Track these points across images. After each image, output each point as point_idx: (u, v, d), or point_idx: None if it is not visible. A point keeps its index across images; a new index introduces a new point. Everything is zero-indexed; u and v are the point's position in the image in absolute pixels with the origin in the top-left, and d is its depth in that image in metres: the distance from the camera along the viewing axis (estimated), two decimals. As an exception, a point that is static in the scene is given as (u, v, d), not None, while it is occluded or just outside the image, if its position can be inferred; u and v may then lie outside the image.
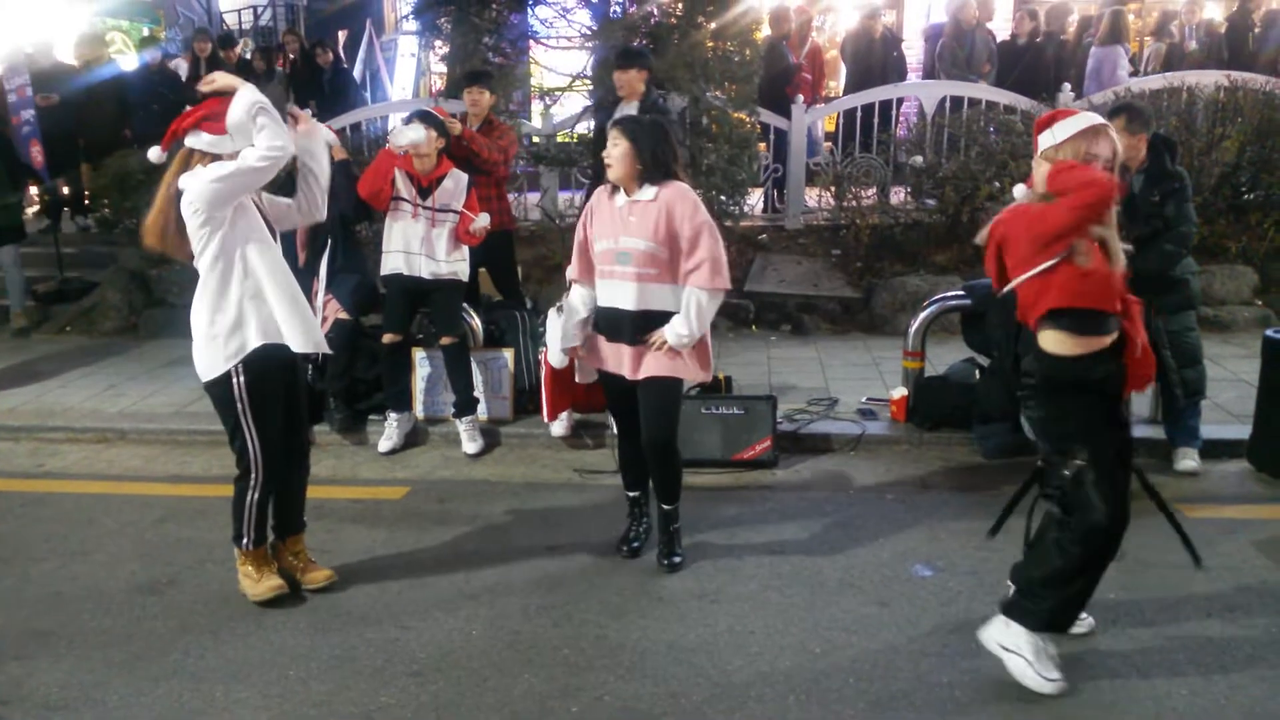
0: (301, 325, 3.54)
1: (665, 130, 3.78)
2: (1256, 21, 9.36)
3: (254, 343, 3.48)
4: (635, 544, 4.09)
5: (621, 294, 3.78)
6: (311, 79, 10.36)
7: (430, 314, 5.45)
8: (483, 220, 5.20)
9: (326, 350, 3.71)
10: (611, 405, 4.07)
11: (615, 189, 3.79)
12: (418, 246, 5.13)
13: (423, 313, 5.50)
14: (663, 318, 3.74)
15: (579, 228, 3.93)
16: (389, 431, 5.38)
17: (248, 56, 10.85)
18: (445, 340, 5.30)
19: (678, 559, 3.95)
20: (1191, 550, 3.18)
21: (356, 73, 12.06)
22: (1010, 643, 3.13)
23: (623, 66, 5.74)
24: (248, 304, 3.48)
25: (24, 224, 8.07)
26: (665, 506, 3.98)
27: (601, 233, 3.81)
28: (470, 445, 5.30)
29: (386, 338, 5.32)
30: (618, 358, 3.86)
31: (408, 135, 4.98)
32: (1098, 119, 3.00)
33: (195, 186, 3.36)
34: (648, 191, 3.70)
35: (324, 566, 3.87)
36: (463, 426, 5.34)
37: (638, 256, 3.70)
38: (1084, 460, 2.97)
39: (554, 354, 4.99)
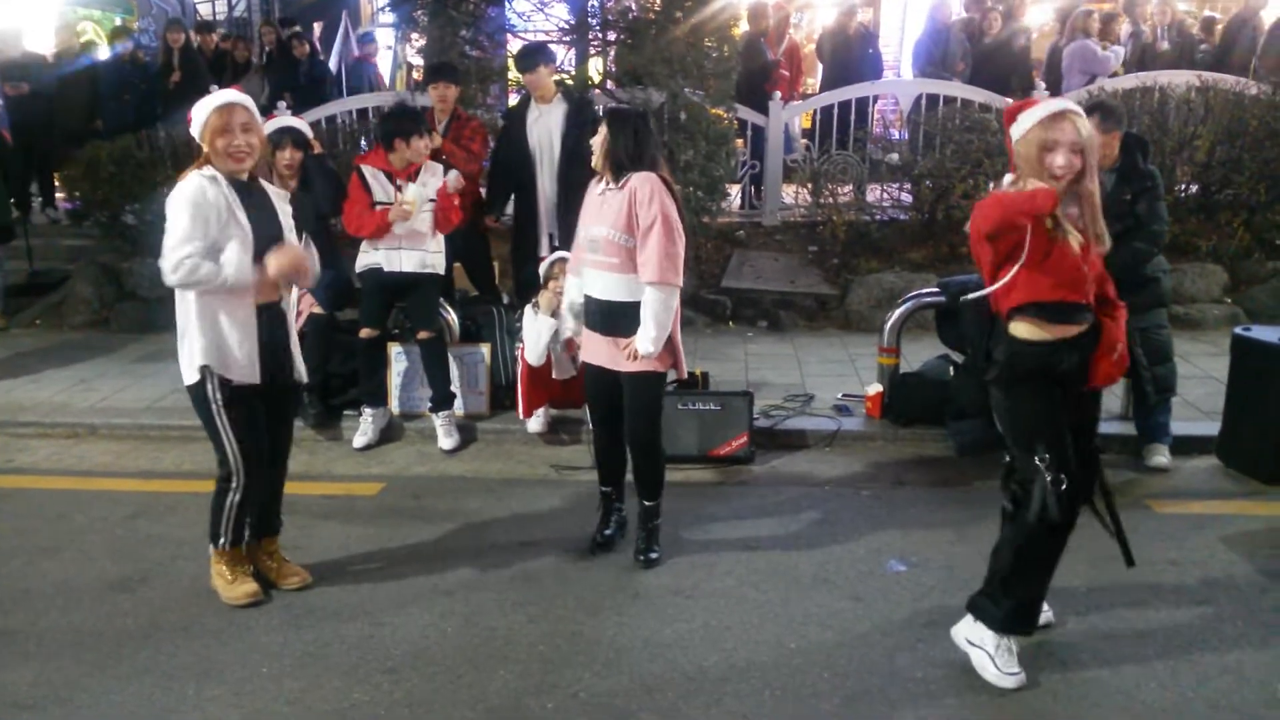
0: (243, 358, 3.48)
1: (644, 121, 3.78)
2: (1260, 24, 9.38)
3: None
4: (609, 533, 4.10)
5: (592, 282, 3.82)
6: (287, 71, 10.26)
7: (406, 309, 5.42)
8: (454, 177, 5.26)
9: (254, 380, 3.52)
10: (590, 397, 4.06)
11: (601, 178, 3.82)
12: (400, 240, 5.11)
13: (398, 307, 5.48)
14: (623, 308, 3.73)
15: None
16: (364, 427, 5.35)
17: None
18: (422, 335, 5.28)
19: (654, 555, 3.95)
20: (1126, 551, 3.26)
21: (332, 64, 11.95)
22: (975, 637, 3.21)
23: (529, 68, 5.73)
24: (215, 319, 3.47)
25: (13, 225, 7.91)
26: (647, 503, 3.99)
27: (582, 220, 3.87)
28: (446, 441, 5.28)
29: (364, 332, 5.30)
30: (593, 347, 3.88)
31: (410, 194, 5.02)
32: (1059, 105, 3.03)
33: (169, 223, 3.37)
34: (620, 180, 3.71)
35: (299, 566, 3.85)
36: (439, 422, 5.31)
37: (604, 245, 3.72)
38: (1042, 454, 3.00)
39: (531, 352, 4.98)
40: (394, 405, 5.55)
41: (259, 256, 3.43)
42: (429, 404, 5.37)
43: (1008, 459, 3.22)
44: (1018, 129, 3.05)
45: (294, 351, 3.71)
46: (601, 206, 3.76)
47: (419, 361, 5.43)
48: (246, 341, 3.48)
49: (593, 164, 3.79)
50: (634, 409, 3.84)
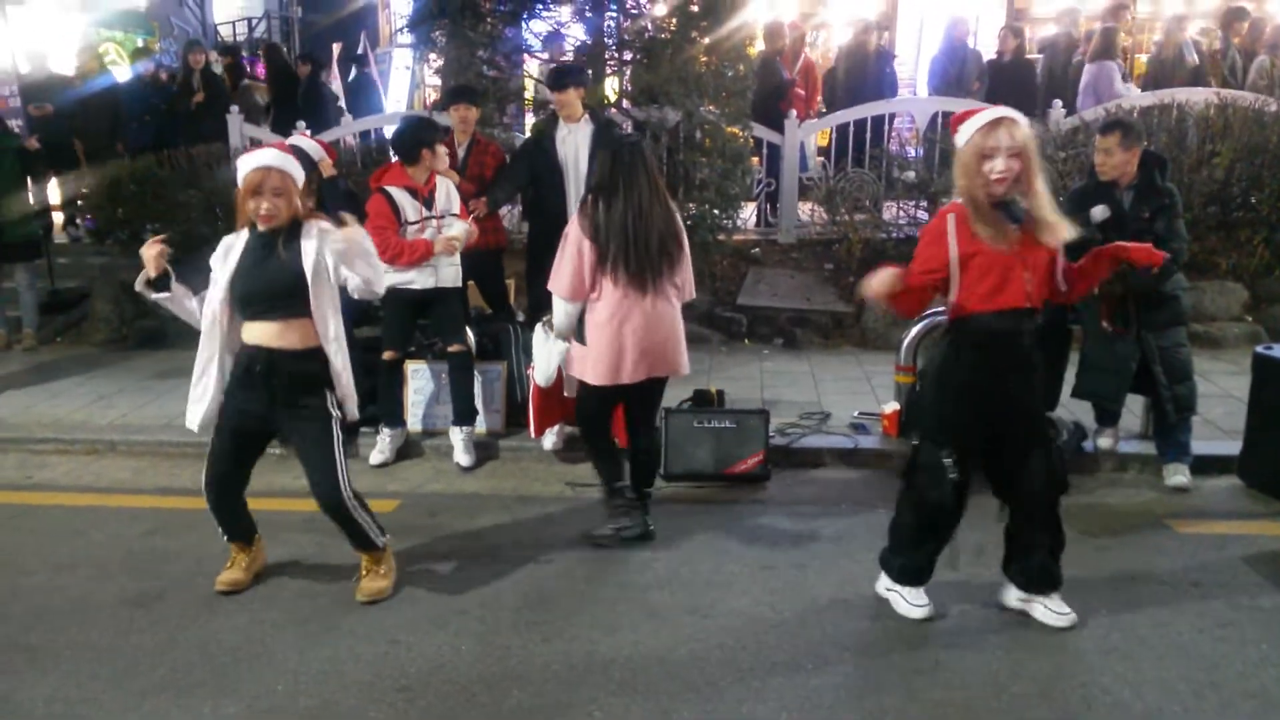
0: (197, 407, 3.72)
1: (629, 150, 4.02)
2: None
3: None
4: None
5: None
6: (286, 91, 10.33)
7: (433, 323, 5.40)
8: (462, 230, 5.19)
9: (192, 429, 3.75)
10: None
11: None
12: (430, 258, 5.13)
13: (420, 325, 5.48)
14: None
15: None
16: (381, 445, 5.36)
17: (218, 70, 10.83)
18: (456, 348, 5.26)
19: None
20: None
21: (338, 87, 12.06)
22: (889, 585, 3.68)
23: (560, 87, 5.75)
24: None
25: (40, 242, 7.99)
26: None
27: None
28: (464, 457, 5.28)
29: (387, 355, 5.31)
30: None
31: (458, 230, 5.10)
32: (997, 113, 3.19)
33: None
34: None
35: (378, 580, 3.87)
36: (460, 437, 5.31)
37: None
38: (920, 440, 3.49)
39: (540, 373, 4.99)
40: (411, 423, 5.56)
41: (243, 308, 3.62)
42: (451, 419, 5.36)
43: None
44: (960, 138, 3.23)
45: (327, 391, 3.70)
46: None
47: (436, 379, 5.44)
48: (200, 380, 3.70)
49: None
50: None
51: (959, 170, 3.25)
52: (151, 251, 3.59)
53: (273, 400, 3.64)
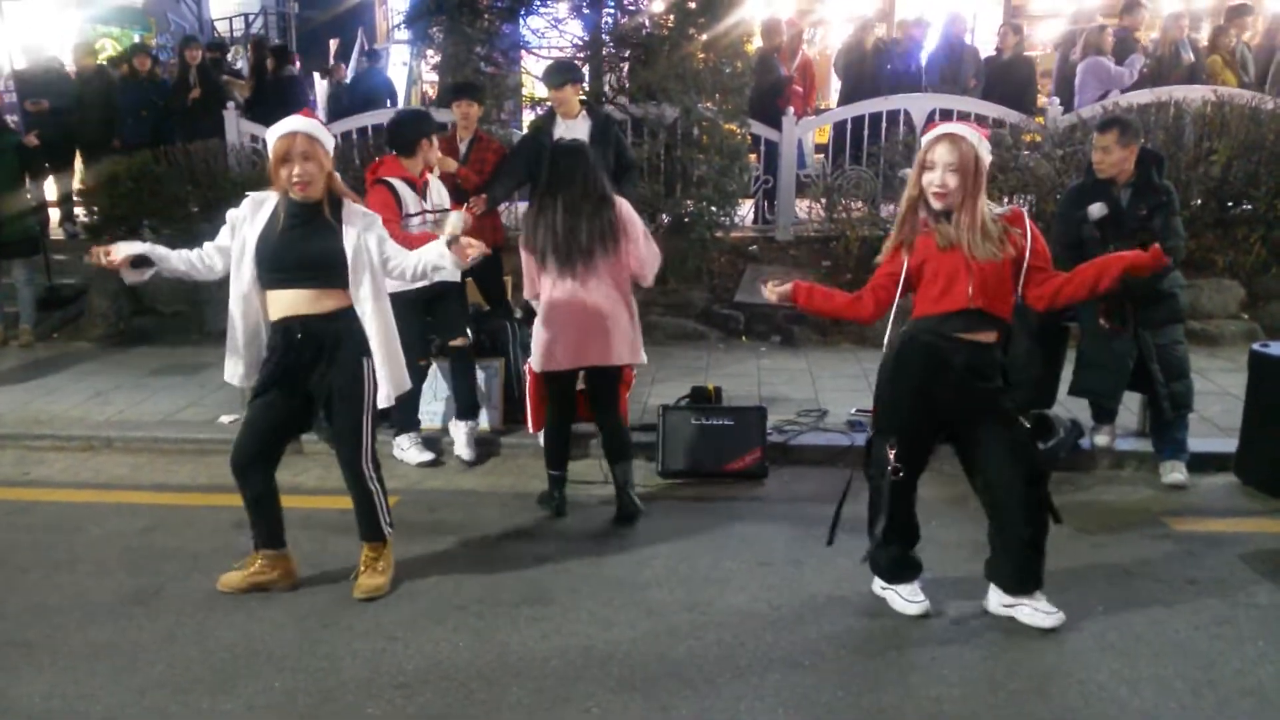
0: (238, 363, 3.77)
1: (567, 155, 4.34)
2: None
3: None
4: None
5: None
6: (259, 85, 10.29)
7: (434, 321, 5.35)
8: (455, 219, 5.14)
9: (232, 382, 3.82)
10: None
11: None
12: None
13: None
14: None
15: None
16: (412, 447, 5.31)
17: (237, 65, 10.82)
18: (460, 342, 5.26)
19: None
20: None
21: (319, 86, 12.05)
22: (882, 584, 3.72)
23: (556, 84, 5.73)
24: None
25: (38, 238, 7.97)
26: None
27: None
28: (466, 451, 5.29)
29: (420, 362, 5.27)
30: None
31: (451, 225, 5.01)
32: (944, 129, 3.33)
33: None
34: None
35: (376, 577, 3.87)
36: (463, 430, 5.31)
37: None
38: (877, 435, 3.59)
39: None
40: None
41: (270, 275, 3.60)
42: (454, 414, 5.35)
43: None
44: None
45: (364, 367, 3.70)
46: None
47: (432, 377, 5.42)
48: (240, 349, 3.73)
49: None
50: None
51: (910, 182, 3.43)
52: (115, 259, 3.61)
53: (315, 362, 3.65)
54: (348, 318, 3.67)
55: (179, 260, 3.72)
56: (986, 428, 3.45)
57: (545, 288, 4.35)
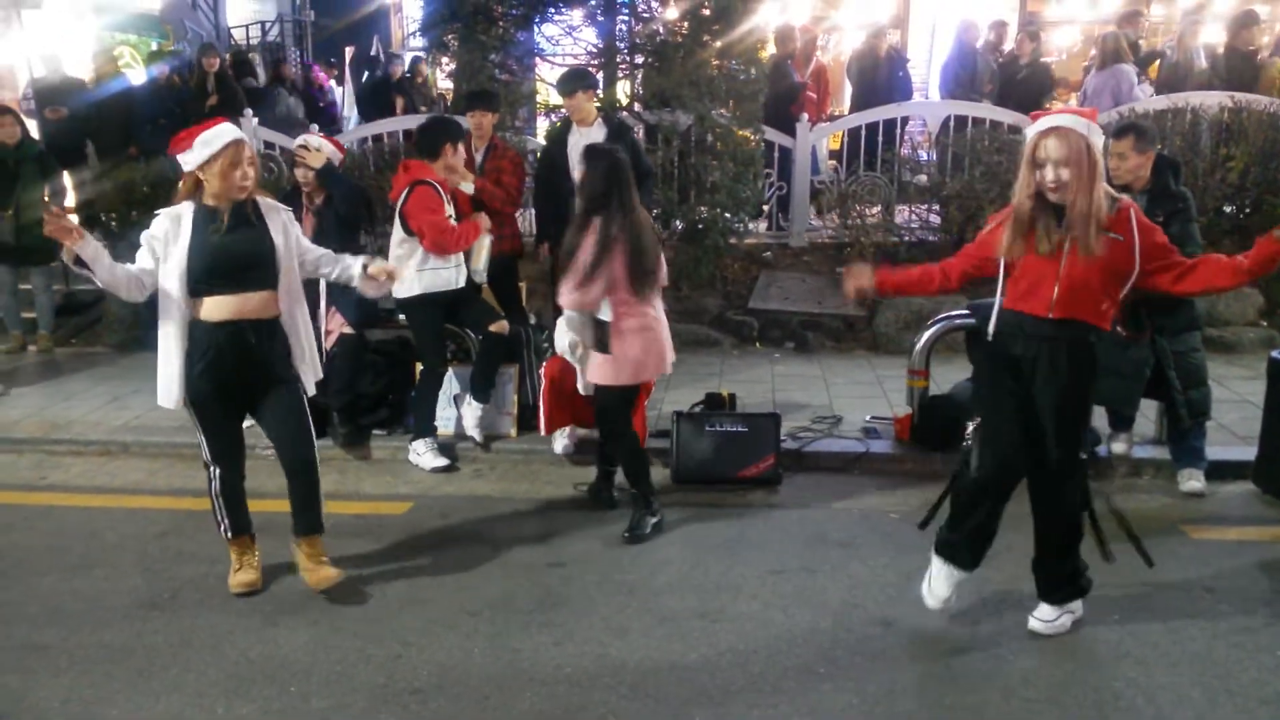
0: (172, 385, 3.72)
1: (618, 161, 4.23)
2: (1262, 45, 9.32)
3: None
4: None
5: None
6: (234, 95, 10.32)
7: (467, 319, 5.40)
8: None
9: (168, 406, 3.75)
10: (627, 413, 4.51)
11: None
12: (458, 256, 5.19)
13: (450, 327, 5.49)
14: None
15: None
16: (426, 453, 5.33)
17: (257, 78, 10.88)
18: (498, 327, 5.28)
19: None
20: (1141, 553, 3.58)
21: (336, 95, 12.12)
22: (933, 555, 3.58)
23: (569, 92, 5.75)
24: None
25: (53, 246, 7.98)
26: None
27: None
28: (475, 431, 5.36)
29: (440, 368, 5.35)
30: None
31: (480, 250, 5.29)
32: (1050, 122, 3.21)
33: None
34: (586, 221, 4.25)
35: (332, 570, 3.90)
36: (478, 411, 5.36)
37: None
38: (978, 420, 3.48)
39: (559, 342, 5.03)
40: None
41: (208, 282, 3.64)
42: (469, 393, 5.39)
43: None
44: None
45: (294, 362, 3.83)
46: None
47: (446, 383, 5.44)
48: (170, 362, 3.70)
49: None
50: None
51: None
52: (67, 240, 3.52)
53: (252, 370, 3.73)
54: (282, 328, 3.80)
55: (121, 274, 3.66)
56: (1048, 450, 3.35)
57: (627, 302, 4.22)
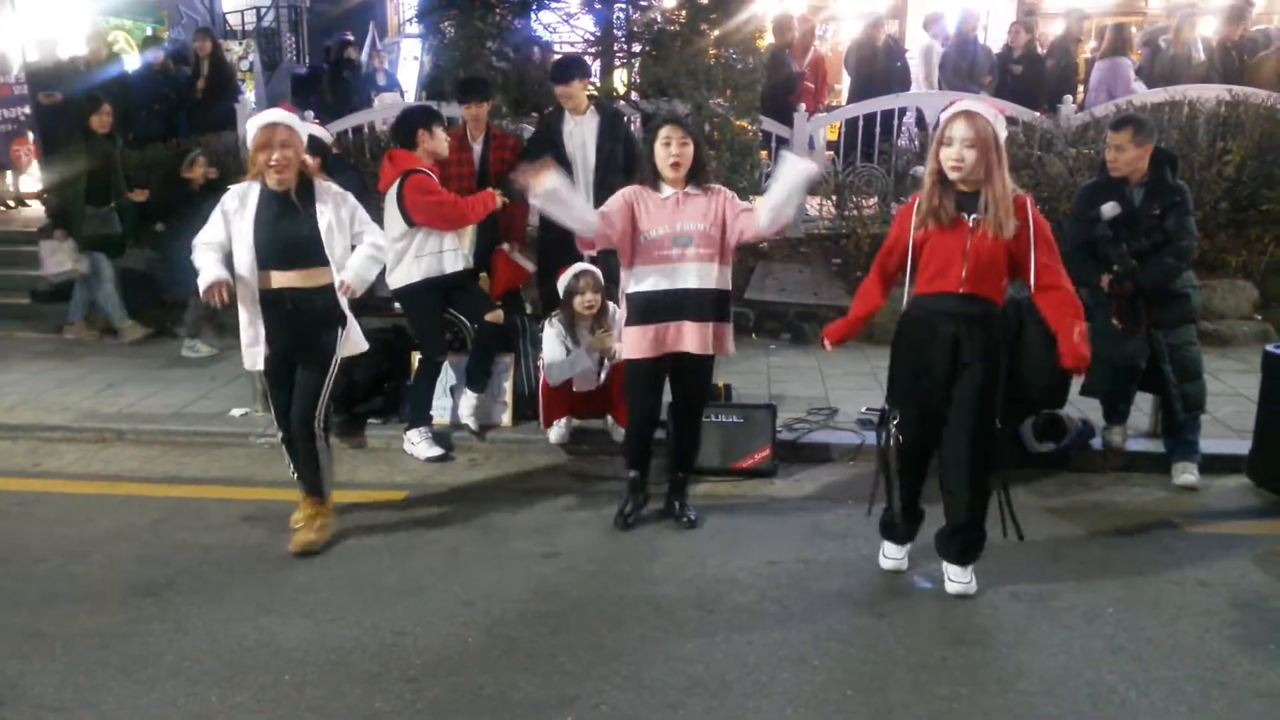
0: (255, 350, 4.12)
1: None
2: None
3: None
4: (631, 519, 4.43)
5: (687, 275, 4.12)
6: (228, 78, 10.27)
7: (463, 306, 5.34)
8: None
9: (252, 370, 4.24)
10: (647, 388, 4.31)
11: (658, 184, 4.15)
12: (455, 240, 5.18)
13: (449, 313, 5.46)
14: (726, 296, 4.24)
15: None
16: (422, 441, 5.32)
17: (250, 59, 10.81)
18: (494, 316, 5.27)
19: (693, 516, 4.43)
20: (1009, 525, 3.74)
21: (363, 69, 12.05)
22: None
23: (563, 80, 5.71)
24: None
25: (122, 238, 7.85)
26: (683, 473, 4.49)
27: (650, 223, 4.12)
28: (470, 420, 5.38)
29: (439, 358, 5.35)
30: (678, 336, 4.15)
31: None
32: (961, 106, 3.47)
33: None
34: (703, 186, 4.16)
35: (311, 537, 4.13)
36: (474, 401, 5.39)
37: (700, 238, 4.11)
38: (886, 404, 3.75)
39: (553, 375, 5.01)
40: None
41: (268, 257, 3.97)
42: (465, 383, 5.40)
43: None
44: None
45: (328, 332, 4.13)
46: (680, 208, 4.10)
47: (443, 372, 5.43)
48: (250, 328, 4.06)
49: (671, 170, 4.07)
50: (704, 386, 4.43)
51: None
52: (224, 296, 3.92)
53: (295, 332, 4.05)
54: (328, 291, 4.08)
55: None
56: (957, 419, 3.58)
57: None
